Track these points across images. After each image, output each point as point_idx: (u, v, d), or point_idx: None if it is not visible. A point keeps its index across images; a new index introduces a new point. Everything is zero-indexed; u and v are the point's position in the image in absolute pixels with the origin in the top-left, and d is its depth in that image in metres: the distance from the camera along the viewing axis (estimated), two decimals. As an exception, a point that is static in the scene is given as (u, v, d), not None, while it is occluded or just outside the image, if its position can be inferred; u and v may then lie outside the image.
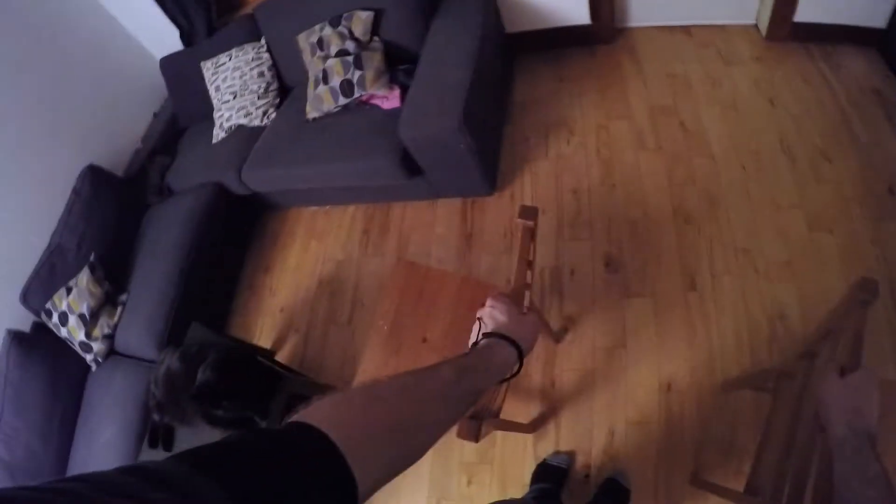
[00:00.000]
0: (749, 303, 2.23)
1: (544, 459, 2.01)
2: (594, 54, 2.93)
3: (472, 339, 0.82)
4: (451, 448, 2.17)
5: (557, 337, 2.30)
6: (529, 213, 1.12)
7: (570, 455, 2.06)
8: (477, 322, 0.84)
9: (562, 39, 2.95)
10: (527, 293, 1.19)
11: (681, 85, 2.72)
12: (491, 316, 0.82)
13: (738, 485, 1.49)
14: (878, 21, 2.66)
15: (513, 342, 0.78)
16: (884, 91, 2.66)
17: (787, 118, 2.60)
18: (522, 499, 1.63)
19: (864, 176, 2.43)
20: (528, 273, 1.14)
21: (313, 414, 0.52)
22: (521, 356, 0.79)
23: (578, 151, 2.64)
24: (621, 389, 2.15)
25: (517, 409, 2.18)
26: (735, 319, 2.20)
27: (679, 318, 2.24)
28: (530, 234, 1.09)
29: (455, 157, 2.30)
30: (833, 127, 2.56)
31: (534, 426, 2.12)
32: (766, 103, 2.65)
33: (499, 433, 2.13)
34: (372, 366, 1.47)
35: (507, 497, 1.98)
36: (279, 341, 2.59)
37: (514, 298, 0.88)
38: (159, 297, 2.41)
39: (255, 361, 2.01)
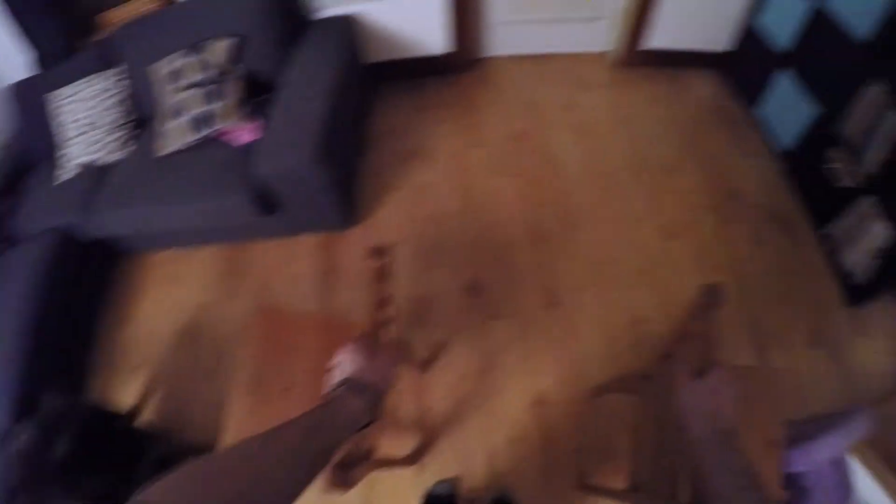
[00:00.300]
0: (610, 312, 2.24)
1: (428, 491, 1.89)
2: (453, 83, 2.99)
3: (325, 389, 0.80)
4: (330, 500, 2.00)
5: (426, 366, 2.20)
6: (378, 252, 1.06)
7: (454, 481, 1.94)
8: (330, 371, 0.82)
9: (421, 69, 3.01)
10: (386, 331, 1.15)
11: (536, 111, 2.80)
12: (344, 364, 0.81)
13: (622, 483, 1.51)
14: (721, 45, 2.87)
15: (367, 387, 0.77)
16: (726, 108, 2.84)
17: (638, 138, 2.70)
18: None
19: (710, 185, 2.53)
20: (385, 310, 1.08)
21: (154, 492, 0.50)
22: (377, 400, 0.78)
23: (436, 180, 2.63)
24: (495, 410, 2.10)
25: (394, 444, 2.06)
26: (598, 329, 2.21)
27: (544, 334, 2.22)
28: (380, 274, 1.03)
29: (312, 191, 2.23)
30: (680, 143, 2.68)
31: (413, 458, 2.00)
32: (617, 125, 2.75)
33: (377, 473, 1.99)
34: (236, 422, 1.36)
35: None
36: (144, 398, 2.34)
37: (366, 341, 0.86)
38: (3, 363, 2.16)
39: (117, 428, 1.84)
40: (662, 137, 2.70)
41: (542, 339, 2.22)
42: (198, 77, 2.27)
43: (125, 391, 2.37)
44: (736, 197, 2.50)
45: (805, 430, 1.44)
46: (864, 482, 1.57)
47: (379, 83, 3.05)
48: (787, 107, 2.47)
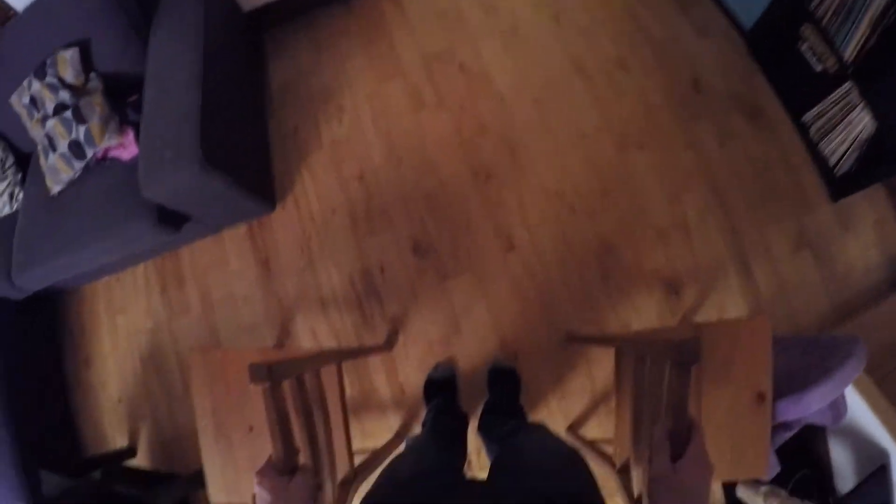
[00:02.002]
0: (573, 246, 2.05)
1: (429, 376, 1.96)
2: (351, 10, 2.52)
3: None
4: None
5: (390, 342, 2.07)
6: (258, 373, 0.89)
7: (450, 362, 2.00)
8: (252, 500, 0.78)
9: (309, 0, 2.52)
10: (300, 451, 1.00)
11: (453, 22, 2.38)
12: (260, 498, 0.76)
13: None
14: None
15: None
16: (670, -22, 2.41)
17: (575, 33, 2.33)
18: (423, 436, 1.51)
19: (666, 77, 2.23)
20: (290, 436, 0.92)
21: None
22: None
23: (354, 130, 2.28)
24: (469, 375, 1.99)
25: (377, 427, 2.02)
26: (562, 267, 2.03)
27: (505, 284, 2.04)
28: (272, 395, 0.88)
29: (215, 194, 1.92)
30: (625, 32, 2.33)
31: (399, 439, 1.90)
32: (549, 22, 2.37)
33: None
34: (215, 470, 1.33)
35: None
36: (133, 434, 2.24)
37: (279, 468, 0.81)
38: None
39: (118, 497, 1.81)
40: (604, 27, 2.33)
41: (505, 289, 2.04)
42: (53, 104, 1.92)
43: (116, 430, 2.25)
44: (698, 88, 2.19)
45: (794, 376, 1.33)
46: (856, 403, 1.53)
47: (267, 30, 2.56)
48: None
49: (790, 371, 1.39)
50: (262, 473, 0.79)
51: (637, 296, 1.97)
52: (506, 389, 1.87)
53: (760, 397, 1.20)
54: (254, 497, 0.78)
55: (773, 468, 1.42)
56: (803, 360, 1.43)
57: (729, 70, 2.21)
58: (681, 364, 0.80)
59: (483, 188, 2.12)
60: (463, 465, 1.44)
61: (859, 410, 1.53)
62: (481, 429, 1.67)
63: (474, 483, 0.93)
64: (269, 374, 0.87)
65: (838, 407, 1.48)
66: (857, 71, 1.74)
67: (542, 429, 1.22)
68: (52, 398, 2.31)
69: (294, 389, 1.05)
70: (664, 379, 0.87)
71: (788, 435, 1.48)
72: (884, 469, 1.50)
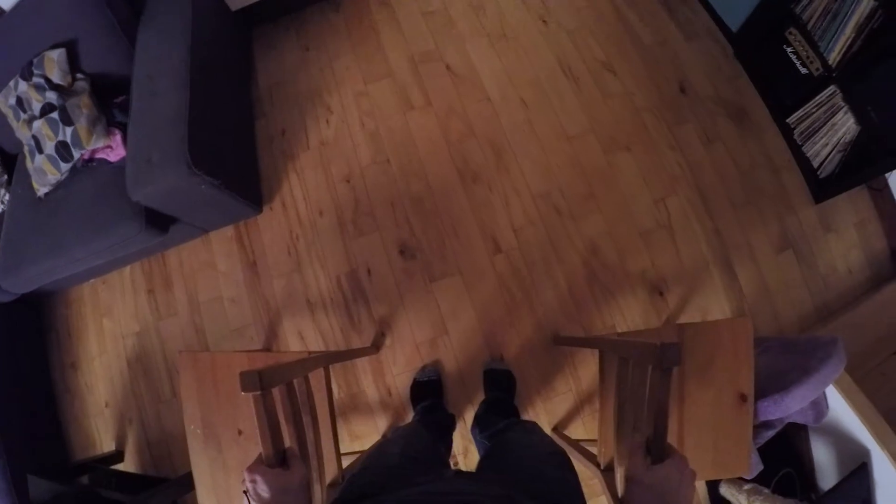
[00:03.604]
0: (559, 248, 2.06)
1: (415, 379, 1.98)
2: (339, 9, 2.51)
3: None
4: None
5: (377, 344, 2.07)
6: (249, 381, 0.88)
7: (435, 365, 2.01)
8: (245, 497, 0.77)
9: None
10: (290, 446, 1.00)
11: (440, 22, 2.39)
12: (255, 493, 0.75)
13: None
14: None
15: None
16: (657, -20, 2.43)
17: (563, 35, 2.34)
18: (412, 425, 1.51)
19: (653, 80, 2.25)
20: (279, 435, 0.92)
21: None
22: None
23: (341, 131, 2.27)
24: (456, 377, 2.00)
25: (365, 429, 2.01)
26: (548, 269, 2.04)
27: (492, 286, 2.05)
28: (262, 403, 0.87)
29: (203, 197, 1.91)
30: (613, 35, 2.34)
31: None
32: (537, 23, 2.38)
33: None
34: (204, 473, 1.33)
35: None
36: (120, 438, 2.22)
37: (270, 460, 0.81)
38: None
39: (105, 502, 1.77)
40: (592, 30, 2.34)
41: (492, 291, 2.05)
42: (40, 104, 1.90)
43: (103, 434, 2.24)
44: (684, 90, 2.21)
45: (776, 376, 1.38)
46: (837, 402, 1.54)
47: (255, 28, 2.54)
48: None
49: (771, 371, 1.42)
50: (253, 470, 0.78)
51: (622, 297, 1.99)
52: (501, 391, 1.89)
53: (742, 397, 1.21)
54: (245, 494, 0.77)
55: (755, 467, 1.44)
56: (784, 360, 1.46)
57: (715, 73, 2.24)
58: (662, 367, 0.81)
59: (470, 190, 2.13)
60: (448, 457, 1.44)
61: (840, 409, 1.55)
62: (476, 425, 1.69)
63: (461, 472, 0.93)
64: (261, 381, 0.87)
65: (820, 406, 1.51)
66: (842, 74, 1.77)
67: (534, 427, 1.22)
68: (38, 402, 2.29)
69: (284, 395, 1.05)
70: (647, 381, 0.89)
71: (771, 434, 1.50)
72: (864, 467, 1.53)
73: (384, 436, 1.98)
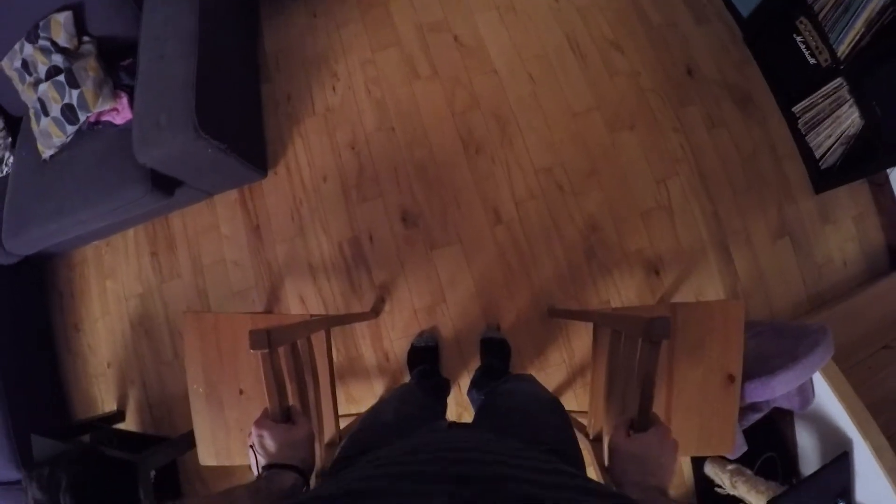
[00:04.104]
0: (559, 223, 2.08)
1: (412, 344, 2.02)
2: (348, -25, 2.48)
3: (254, 469, 0.78)
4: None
5: (376, 309, 2.10)
6: (258, 339, 0.90)
7: (432, 331, 2.04)
8: (251, 451, 0.78)
9: (306, -37, 2.47)
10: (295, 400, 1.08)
11: (450, -8, 2.35)
12: (262, 447, 0.77)
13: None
14: None
15: (290, 466, 0.75)
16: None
17: (573, 12, 2.31)
18: (407, 385, 1.58)
19: (660, 61, 2.23)
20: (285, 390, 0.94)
21: None
22: (306, 468, 0.77)
23: (347, 98, 2.27)
24: (453, 344, 2.03)
25: (362, 392, 2.06)
26: (547, 243, 2.06)
27: (492, 256, 2.07)
28: (270, 361, 0.89)
29: (209, 160, 1.90)
30: (623, 14, 2.32)
31: None
32: (547, -4, 2.34)
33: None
34: (206, 432, 1.36)
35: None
36: (121, 398, 2.27)
37: (276, 416, 0.84)
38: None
39: (107, 459, 1.78)
40: (602, 8, 2.32)
41: (491, 262, 2.08)
42: (45, 67, 1.88)
43: (105, 395, 2.28)
44: (691, 73, 2.20)
45: (764, 360, 1.40)
46: (823, 390, 1.56)
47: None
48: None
49: (760, 354, 1.45)
50: (260, 425, 0.80)
51: (619, 274, 2.01)
52: (497, 359, 1.93)
53: (730, 378, 1.23)
54: (252, 448, 0.79)
55: (739, 448, 1.48)
56: (773, 345, 1.49)
57: (723, 57, 2.23)
58: (651, 340, 0.83)
59: (473, 161, 2.14)
60: (444, 416, 1.48)
61: (826, 397, 1.58)
62: (472, 388, 1.73)
63: (458, 423, 0.95)
64: (269, 340, 0.89)
65: (806, 393, 1.54)
66: (849, 68, 1.77)
67: (529, 377, 1.25)
68: (42, 363, 2.33)
69: (288, 355, 1.08)
70: (637, 354, 0.91)
71: (757, 417, 1.54)
72: (846, 455, 1.55)
73: (381, 398, 2.02)
